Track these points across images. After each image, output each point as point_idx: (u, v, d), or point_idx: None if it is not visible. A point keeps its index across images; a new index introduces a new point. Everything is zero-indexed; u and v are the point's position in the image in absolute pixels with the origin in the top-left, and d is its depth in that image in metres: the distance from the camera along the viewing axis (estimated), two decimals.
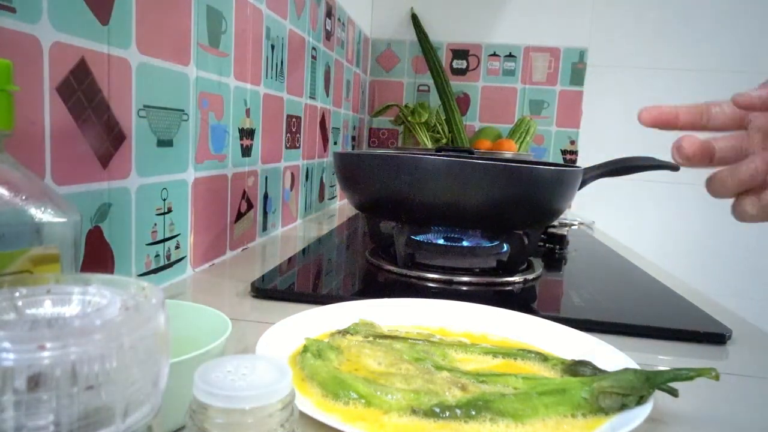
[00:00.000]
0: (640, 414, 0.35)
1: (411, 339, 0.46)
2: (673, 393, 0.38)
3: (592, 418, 0.36)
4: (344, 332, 0.47)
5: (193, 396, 0.22)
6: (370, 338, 0.46)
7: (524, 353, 0.45)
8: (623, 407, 0.37)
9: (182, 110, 0.63)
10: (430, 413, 0.35)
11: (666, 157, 0.85)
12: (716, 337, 0.56)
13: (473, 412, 0.35)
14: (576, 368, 0.42)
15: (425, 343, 0.46)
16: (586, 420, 0.36)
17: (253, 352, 0.41)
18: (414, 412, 0.35)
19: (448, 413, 0.35)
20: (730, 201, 0.41)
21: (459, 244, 0.77)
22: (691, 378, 0.38)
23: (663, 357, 0.51)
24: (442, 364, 0.42)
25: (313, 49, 1.14)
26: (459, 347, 0.46)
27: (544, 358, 0.45)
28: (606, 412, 0.36)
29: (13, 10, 0.39)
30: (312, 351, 0.41)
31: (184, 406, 0.23)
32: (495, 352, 0.45)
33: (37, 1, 0.41)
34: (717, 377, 0.37)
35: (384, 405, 0.36)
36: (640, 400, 0.37)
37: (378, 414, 0.35)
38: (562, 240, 0.95)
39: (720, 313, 0.64)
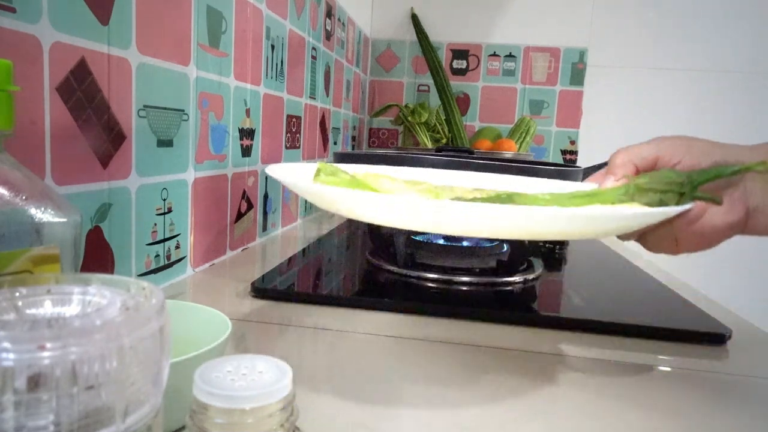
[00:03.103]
0: (670, 209, 0.32)
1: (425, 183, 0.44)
2: (716, 201, 0.34)
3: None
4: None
5: (193, 396, 0.22)
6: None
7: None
8: (661, 203, 0.33)
9: (182, 110, 0.63)
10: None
11: None
12: (716, 337, 0.56)
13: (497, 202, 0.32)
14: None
15: (442, 188, 0.43)
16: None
17: (254, 352, 0.41)
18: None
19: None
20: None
21: (459, 244, 0.77)
22: (736, 173, 0.34)
23: (663, 357, 0.51)
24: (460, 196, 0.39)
25: (313, 49, 1.14)
26: (476, 192, 0.43)
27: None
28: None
29: (13, 10, 0.39)
30: (326, 171, 0.39)
31: (184, 406, 0.23)
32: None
33: (37, 1, 0.41)
34: (767, 170, 0.33)
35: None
36: (680, 199, 0.33)
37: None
38: (562, 240, 0.95)
39: (720, 313, 0.64)
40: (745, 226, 0.40)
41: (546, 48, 1.78)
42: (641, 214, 0.31)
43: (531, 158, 1.42)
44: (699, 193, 0.33)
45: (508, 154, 1.38)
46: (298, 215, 1.12)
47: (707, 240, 0.41)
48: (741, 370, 0.49)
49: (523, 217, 0.27)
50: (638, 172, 0.42)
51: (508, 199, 0.32)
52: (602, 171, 0.47)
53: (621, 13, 1.75)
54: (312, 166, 0.44)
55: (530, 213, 0.27)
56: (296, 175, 0.41)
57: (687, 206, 0.32)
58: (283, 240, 0.94)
